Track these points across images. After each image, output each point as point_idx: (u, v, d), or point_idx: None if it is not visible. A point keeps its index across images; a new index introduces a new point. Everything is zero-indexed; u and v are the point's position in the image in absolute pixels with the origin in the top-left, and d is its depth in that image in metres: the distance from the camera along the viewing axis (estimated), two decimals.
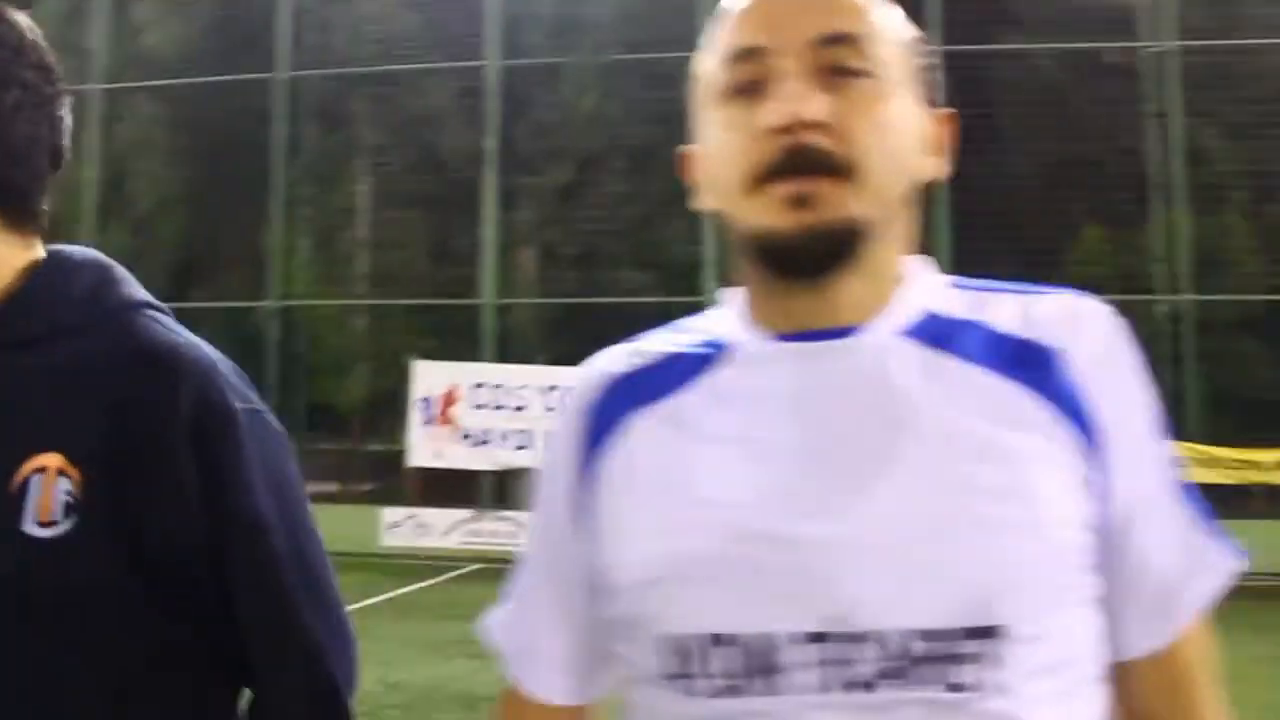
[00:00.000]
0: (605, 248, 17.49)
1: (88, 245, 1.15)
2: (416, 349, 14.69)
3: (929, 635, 0.76)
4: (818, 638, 0.77)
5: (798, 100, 0.81)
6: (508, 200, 16.99)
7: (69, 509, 0.96)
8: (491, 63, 16.66)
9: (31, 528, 0.96)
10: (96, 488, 0.97)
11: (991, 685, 0.77)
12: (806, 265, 0.83)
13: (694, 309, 1.04)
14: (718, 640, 0.79)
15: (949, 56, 13.23)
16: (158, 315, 1.09)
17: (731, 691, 0.78)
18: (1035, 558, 0.78)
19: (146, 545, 0.98)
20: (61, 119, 1.07)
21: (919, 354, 0.84)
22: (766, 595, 0.78)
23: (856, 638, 0.76)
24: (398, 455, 14.74)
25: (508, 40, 16.74)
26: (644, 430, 0.87)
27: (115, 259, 1.11)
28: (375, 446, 19.10)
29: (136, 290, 1.10)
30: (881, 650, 0.76)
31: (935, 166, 0.91)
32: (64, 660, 0.98)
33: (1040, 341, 0.84)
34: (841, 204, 0.82)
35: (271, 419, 1.09)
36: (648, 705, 0.85)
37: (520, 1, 17.24)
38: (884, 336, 0.85)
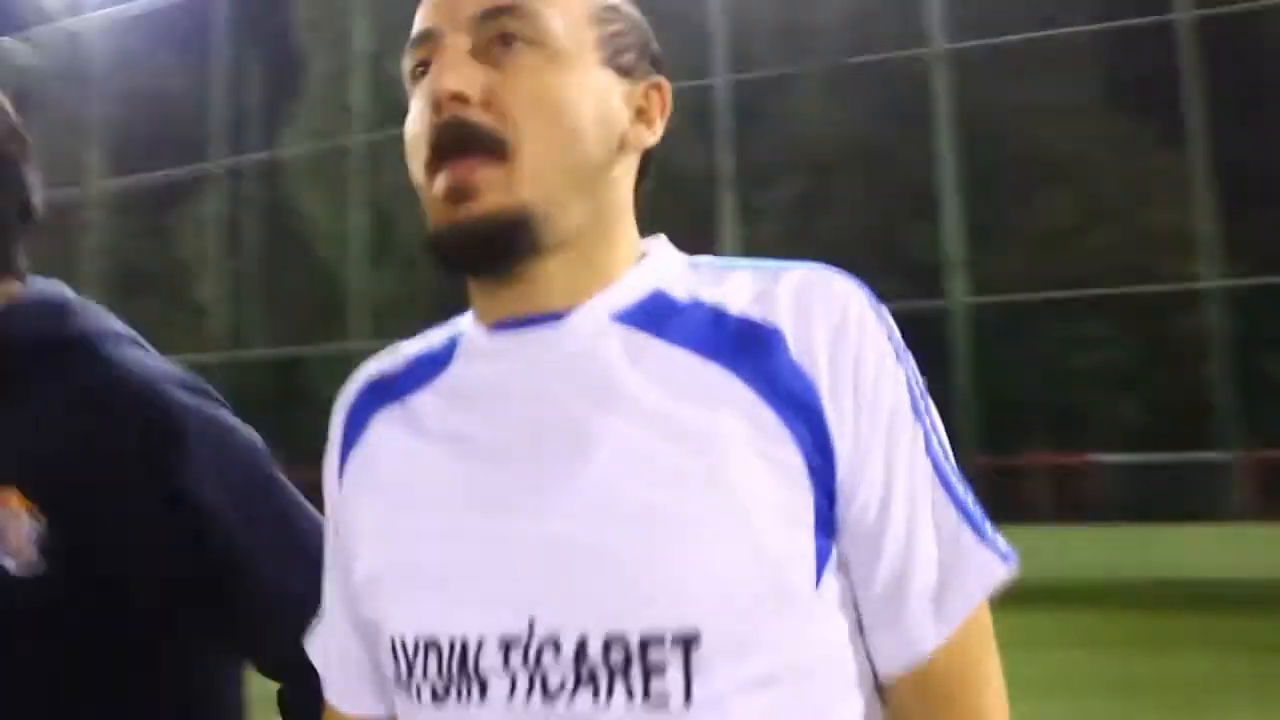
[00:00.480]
0: (848, 255, 17.19)
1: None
2: None
3: (623, 641, 0.70)
4: (512, 643, 0.72)
5: (444, 74, 0.76)
6: (746, 216, 17.10)
7: (35, 542, 1.00)
8: (720, 79, 16.85)
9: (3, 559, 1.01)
10: (59, 522, 1.01)
11: (699, 698, 0.69)
12: (476, 264, 0.79)
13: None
14: (427, 645, 0.75)
15: (1203, 22, 12.05)
16: (113, 341, 1.12)
17: (441, 698, 0.74)
18: (736, 557, 0.70)
19: (112, 564, 1.02)
20: (25, 177, 1.13)
21: (627, 337, 0.78)
22: (469, 597, 0.74)
23: (549, 643, 0.71)
24: None
25: (735, 55, 16.89)
26: (382, 430, 0.84)
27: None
28: None
29: (88, 319, 1.14)
30: (576, 657, 0.70)
31: (639, 136, 0.84)
32: (49, 670, 1.03)
33: (763, 321, 0.76)
34: (501, 189, 0.76)
35: (227, 420, 1.11)
36: (400, 712, 0.82)
37: (744, 16, 17.35)
38: (595, 320, 0.79)
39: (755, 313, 0.77)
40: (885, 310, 0.79)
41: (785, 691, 0.72)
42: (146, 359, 1.12)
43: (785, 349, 0.75)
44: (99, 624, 1.03)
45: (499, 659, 0.73)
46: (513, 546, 0.74)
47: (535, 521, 0.74)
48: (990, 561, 0.77)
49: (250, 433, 1.13)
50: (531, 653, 0.72)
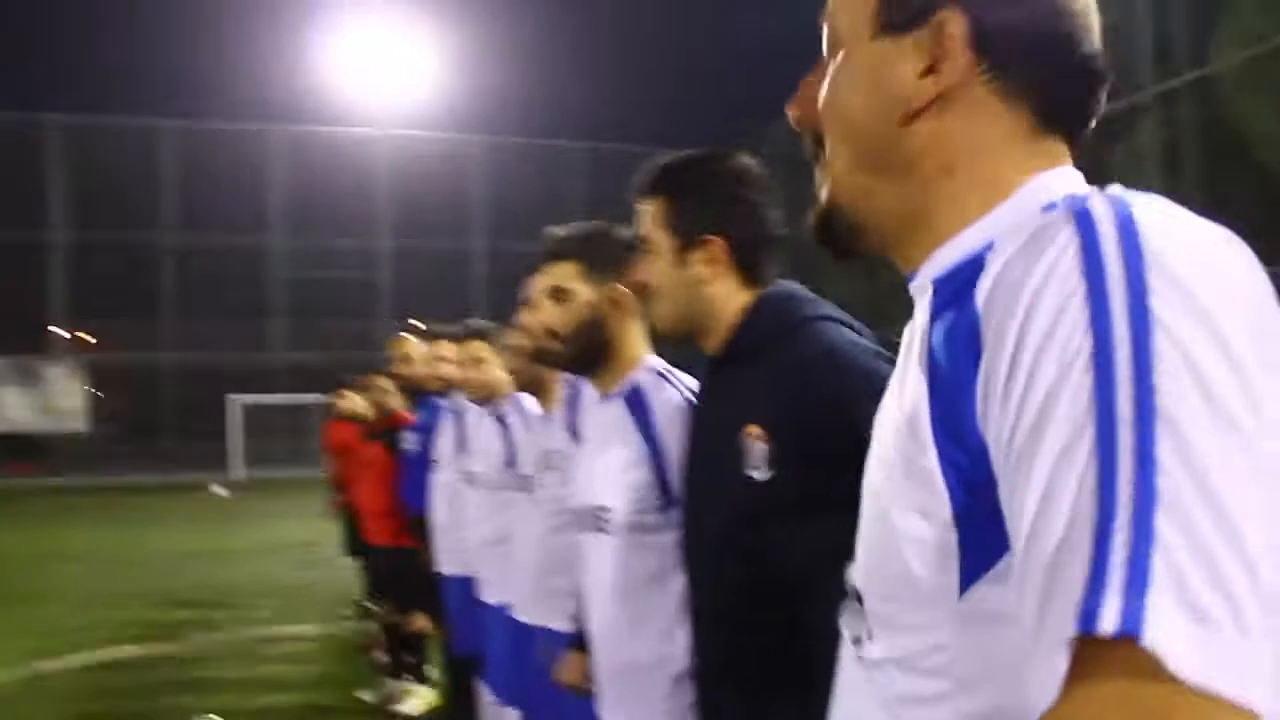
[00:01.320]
0: None
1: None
2: None
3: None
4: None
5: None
6: None
7: (768, 462, 1.42)
8: None
9: (750, 472, 1.44)
10: (786, 448, 1.41)
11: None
12: (834, 256, 0.91)
13: None
14: None
15: None
16: (822, 324, 1.52)
17: None
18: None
19: (809, 482, 1.37)
20: (762, 212, 1.69)
21: (934, 303, 0.78)
22: None
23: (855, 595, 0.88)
24: None
25: None
26: None
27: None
28: None
29: (808, 307, 1.57)
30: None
31: (923, 91, 0.78)
32: (766, 553, 1.43)
33: None
34: (821, 193, 0.87)
35: None
36: None
37: None
38: (921, 284, 0.82)
39: None
40: None
41: None
42: (844, 335, 1.50)
43: None
44: (798, 527, 1.36)
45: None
46: None
47: None
48: None
49: None
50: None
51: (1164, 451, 0.54)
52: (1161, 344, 0.56)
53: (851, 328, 1.54)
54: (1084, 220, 0.63)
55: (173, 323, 31.88)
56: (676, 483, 1.83)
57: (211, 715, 4.99)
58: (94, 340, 34.88)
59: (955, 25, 0.77)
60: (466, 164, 33.93)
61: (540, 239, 2.23)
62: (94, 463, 35.71)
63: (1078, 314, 0.59)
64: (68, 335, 32.84)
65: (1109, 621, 0.52)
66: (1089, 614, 0.53)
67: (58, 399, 31.20)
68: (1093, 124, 0.82)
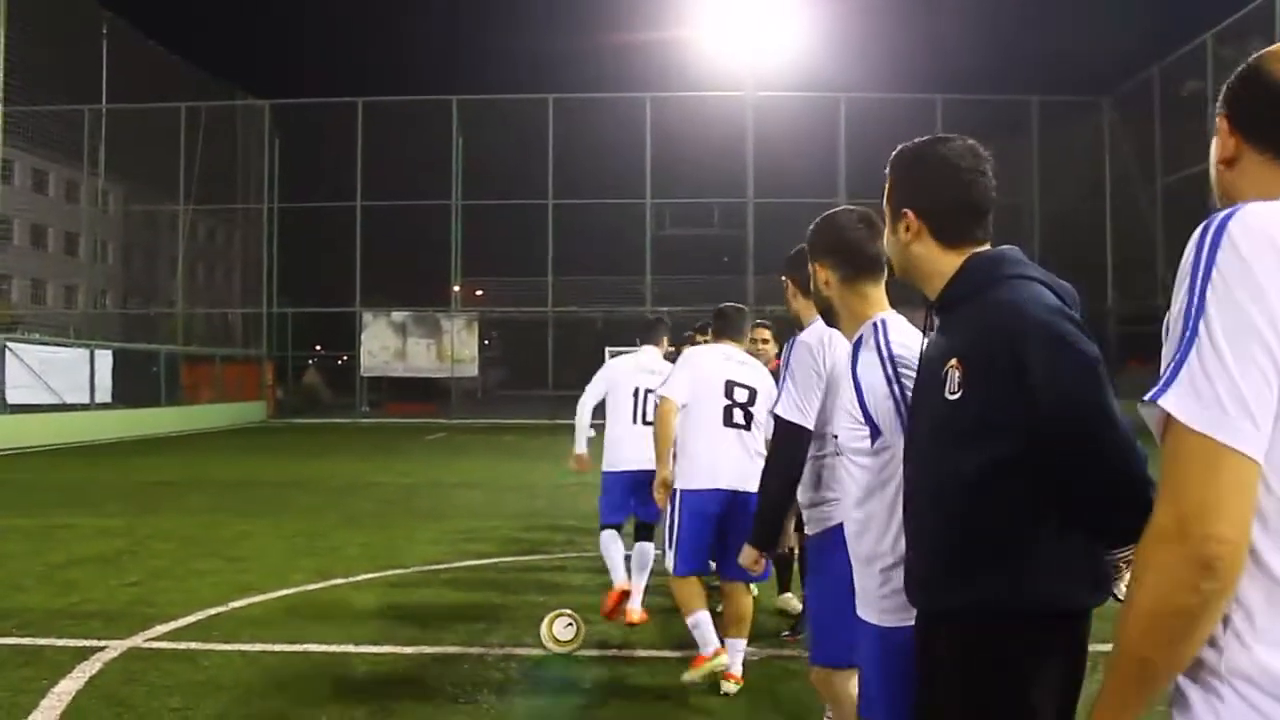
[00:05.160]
0: None
1: None
2: None
3: None
4: None
5: None
6: None
7: (959, 386, 1.81)
8: None
9: (947, 395, 1.84)
10: (972, 376, 1.79)
11: None
12: None
13: None
14: None
15: None
16: (1019, 281, 1.84)
17: None
18: None
19: (988, 409, 1.76)
20: (984, 186, 2.00)
21: None
22: None
23: None
24: None
25: None
26: None
27: None
28: None
29: (1011, 268, 1.88)
30: None
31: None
32: (957, 468, 1.81)
33: None
34: None
35: (1078, 344, 1.72)
36: None
37: None
38: None
39: None
40: None
41: None
42: (1032, 290, 1.82)
43: None
44: (974, 441, 1.78)
45: None
46: None
47: None
48: None
49: (1088, 345, 1.73)
50: None
51: (1200, 326, 1.14)
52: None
53: (1051, 288, 1.85)
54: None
55: (555, 279, 34.60)
56: (876, 415, 2.34)
57: (565, 609, 5.42)
58: (484, 295, 38.79)
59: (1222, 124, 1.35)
60: (828, 121, 33.75)
61: None
62: (484, 405, 39.86)
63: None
64: (461, 290, 36.59)
65: (1154, 394, 1.15)
66: (1153, 393, 1.15)
67: (454, 348, 35.12)
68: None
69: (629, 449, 5.88)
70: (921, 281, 2.05)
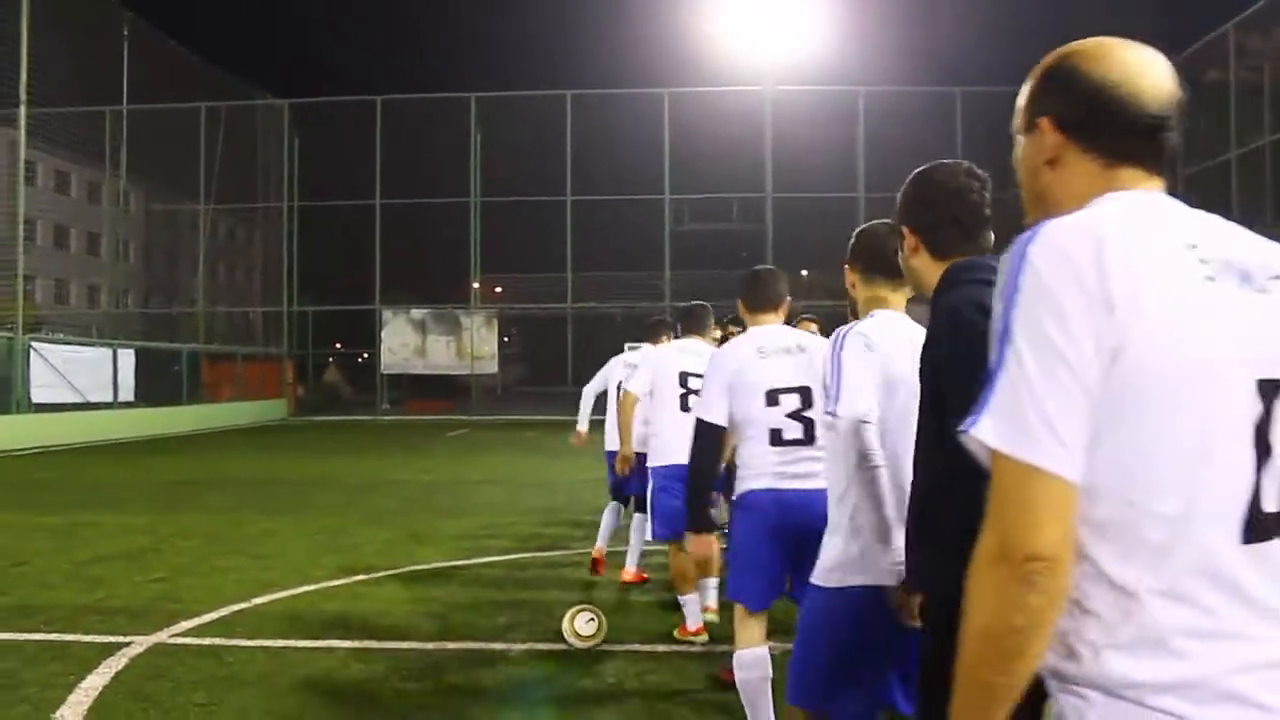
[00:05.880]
0: None
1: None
2: None
3: None
4: None
5: None
6: None
7: (919, 379, 2.12)
8: None
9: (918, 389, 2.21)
10: (923, 370, 2.10)
11: None
12: None
13: None
14: None
15: None
16: (969, 285, 2.05)
17: None
18: None
19: (933, 377, 2.10)
20: (972, 204, 2.27)
21: None
22: None
23: None
24: None
25: None
26: None
27: None
28: None
29: (970, 274, 2.10)
30: None
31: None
32: (923, 458, 2.09)
33: None
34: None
35: (967, 315, 1.98)
36: None
37: None
38: None
39: None
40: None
41: None
42: (971, 292, 2.06)
43: None
44: (934, 403, 2.04)
45: None
46: None
47: None
48: None
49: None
50: None
51: (1007, 351, 1.15)
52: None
53: (984, 285, 2.01)
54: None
55: (573, 275, 34.62)
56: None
57: (587, 604, 5.44)
58: (503, 292, 38.89)
59: (1047, 125, 1.37)
60: (847, 115, 33.63)
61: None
62: (504, 401, 39.94)
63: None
64: (480, 287, 36.68)
65: (969, 424, 1.16)
66: (967, 423, 1.16)
67: (474, 345, 35.22)
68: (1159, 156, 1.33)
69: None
70: (923, 290, 2.31)
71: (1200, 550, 1.12)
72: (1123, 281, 1.11)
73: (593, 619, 5.25)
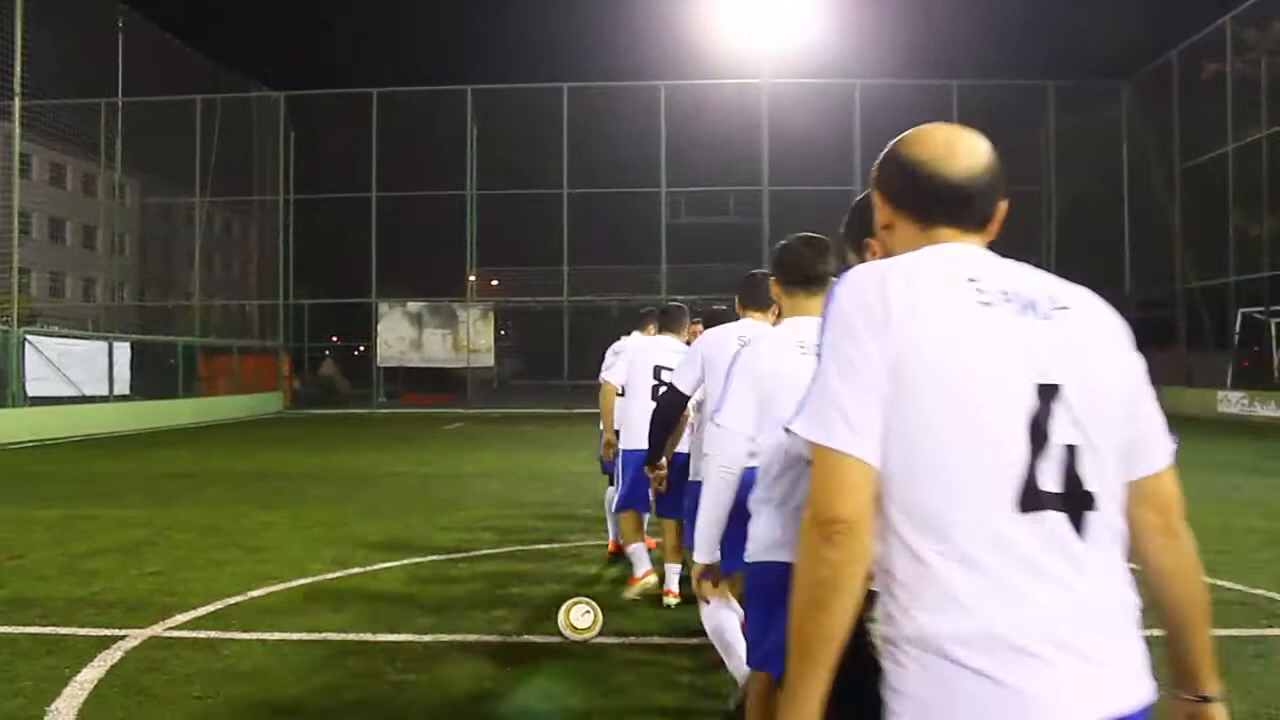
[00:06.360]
0: None
1: None
2: None
3: None
4: None
5: None
6: None
7: None
8: None
9: None
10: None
11: None
12: None
13: None
14: None
15: None
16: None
17: None
18: None
19: None
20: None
21: None
22: None
23: None
24: None
25: None
26: None
27: None
28: None
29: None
30: None
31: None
32: None
33: None
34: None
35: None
36: None
37: None
38: None
39: None
40: None
41: None
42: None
43: None
44: None
45: None
46: None
47: None
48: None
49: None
50: None
51: (818, 365, 1.45)
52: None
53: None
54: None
55: (570, 269, 34.58)
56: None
57: (582, 597, 5.44)
58: (499, 285, 38.81)
59: (880, 198, 1.66)
60: (843, 108, 33.62)
61: None
62: (500, 395, 39.90)
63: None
64: (476, 280, 36.61)
65: (789, 422, 1.46)
66: (788, 421, 1.46)
67: (470, 338, 35.18)
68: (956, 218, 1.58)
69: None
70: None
71: (979, 520, 1.35)
72: (901, 307, 1.40)
73: (588, 611, 5.25)
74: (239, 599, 6.23)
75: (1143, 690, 1.37)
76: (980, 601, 1.32)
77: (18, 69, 23.84)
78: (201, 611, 5.90)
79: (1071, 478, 1.38)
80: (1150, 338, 34.46)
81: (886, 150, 1.64)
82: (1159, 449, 1.53)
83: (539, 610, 5.85)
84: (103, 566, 7.30)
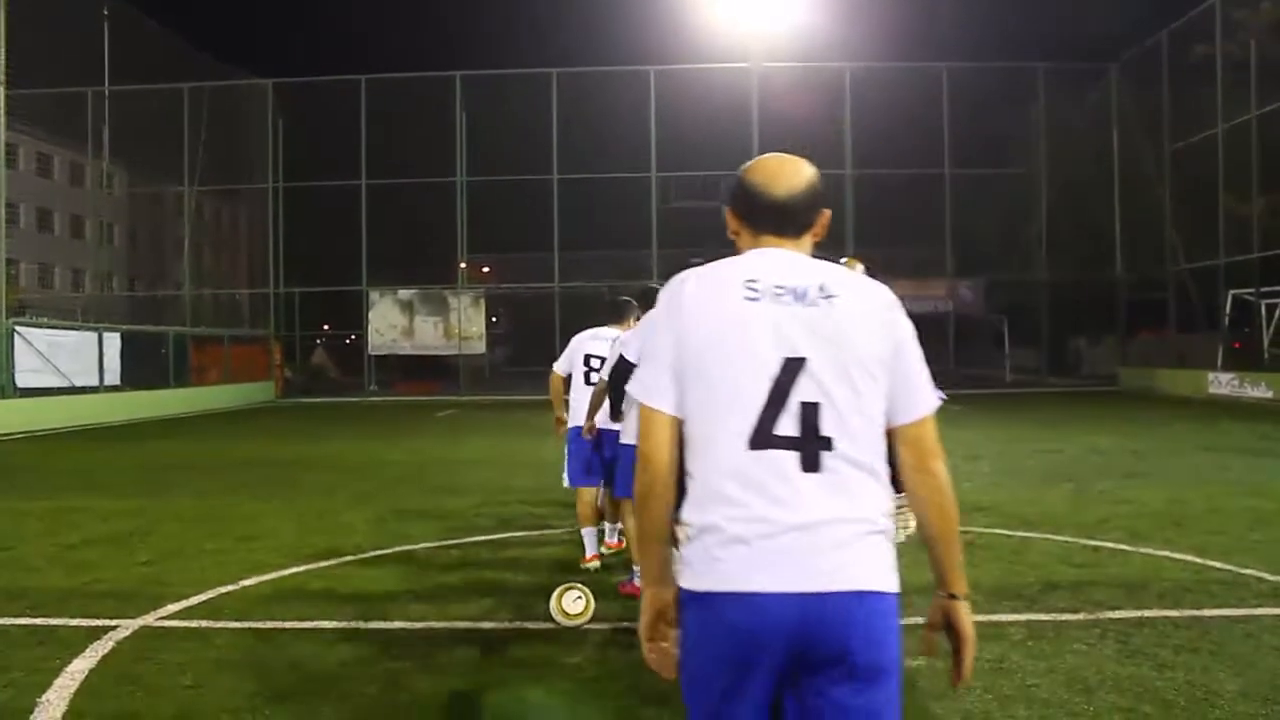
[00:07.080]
0: None
1: None
2: None
3: None
4: None
5: None
6: None
7: None
8: None
9: None
10: None
11: None
12: None
13: None
14: None
15: None
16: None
17: None
18: None
19: None
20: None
21: None
22: None
23: None
24: None
25: None
26: None
27: None
28: None
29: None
30: None
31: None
32: None
33: None
34: None
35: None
36: None
37: None
38: None
39: None
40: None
41: None
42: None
43: None
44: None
45: None
46: None
47: None
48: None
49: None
50: None
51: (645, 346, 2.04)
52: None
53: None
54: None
55: (560, 255, 34.51)
56: None
57: (574, 583, 5.44)
58: (490, 271, 38.69)
59: (729, 213, 2.08)
60: (834, 91, 33.57)
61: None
62: (492, 382, 39.83)
63: None
64: (467, 267, 36.48)
65: (629, 387, 2.10)
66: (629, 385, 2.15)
67: (462, 326, 35.11)
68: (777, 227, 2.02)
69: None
70: None
71: (726, 453, 1.85)
72: (688, 300, 1.92)
73: (580, 597, 5.25)
74: (230, 588, 6.21)
75: (842, 579, 1.77)
76: (720, 508, 1.84)
77: (2, 57, 23.61)
78: (193, 601, 5.89)
79: (809, 427, 1.82)
80: (1141, 320, 34.57)
81: (739, 177, 2.04)
82: (919, 402, 1.92)
83: (531, 596, 5.84)
84: (94, 557, 7.28)
